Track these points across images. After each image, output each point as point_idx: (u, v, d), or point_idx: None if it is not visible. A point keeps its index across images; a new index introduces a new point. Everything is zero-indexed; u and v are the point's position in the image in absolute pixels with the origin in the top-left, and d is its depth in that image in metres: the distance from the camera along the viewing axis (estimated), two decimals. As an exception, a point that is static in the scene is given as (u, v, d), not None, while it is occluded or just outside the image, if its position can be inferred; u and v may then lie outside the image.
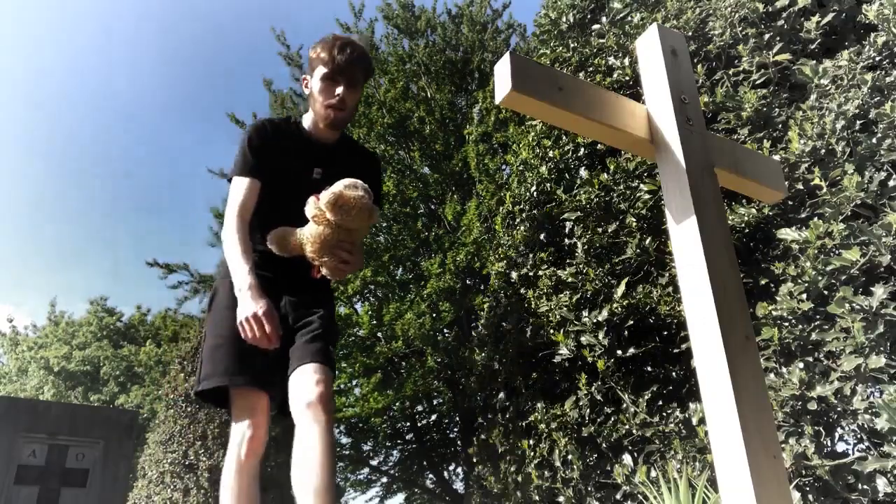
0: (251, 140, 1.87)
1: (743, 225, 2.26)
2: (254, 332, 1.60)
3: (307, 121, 1.96)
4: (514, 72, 0.97)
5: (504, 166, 6.93)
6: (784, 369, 1.89)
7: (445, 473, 8.52)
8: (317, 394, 1.59)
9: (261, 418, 1.69)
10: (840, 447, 1.96)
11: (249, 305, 1.62)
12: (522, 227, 3.01)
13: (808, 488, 1.94)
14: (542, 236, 2.84)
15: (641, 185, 2.52)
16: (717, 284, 0.93)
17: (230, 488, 1.67)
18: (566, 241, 2.76)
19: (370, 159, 2.08)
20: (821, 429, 1.87)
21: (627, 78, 2.80)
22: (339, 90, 1.87)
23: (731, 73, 2.57)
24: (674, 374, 2.37)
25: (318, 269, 1.75)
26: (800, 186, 2.11)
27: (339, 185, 1.66)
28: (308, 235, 1.72)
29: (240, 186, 1.84)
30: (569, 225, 2.71)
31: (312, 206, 1.69)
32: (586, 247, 2.60)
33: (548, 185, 2.91)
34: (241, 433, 1.68)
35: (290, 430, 1.58)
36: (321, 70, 1.88)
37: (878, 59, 2.16)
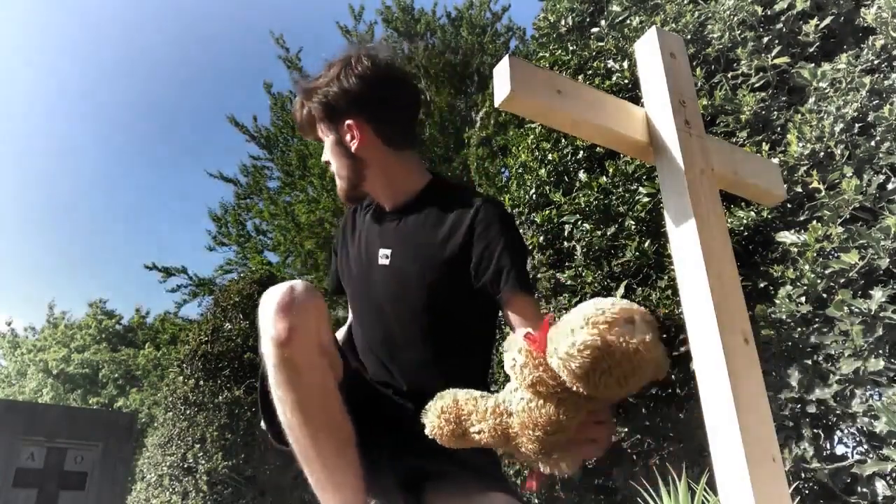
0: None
1: (742, 228, 2.26)
2: None
3: None
4: (513, 74, 0.97)
5: (503, 169, 6.94)
6: (783, 372, 1.89)
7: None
8: None
9: None
10: (839, 450, 1.96)
11: None
12: (521, 230, 3.01)
13: (807, 491, 1.94)
14: (540, 239, 2.84)
15: (640, 188, 2.52)
16: (716, 287, 0.93)
17: None
18: (565, 243, 2.76)
19: (469, 222, 1.30)
20: (820, 432, 1.87)
21: (626, 81, 2.80)
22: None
23: (729, 76, 2.57)
24: (673, 376, 2.37)
25: (538, 475, 0.99)
26: (798, 189, 2.11)
27: (593, 325, 0.83)
28: (521, 421, 0.91)
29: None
30: (568, 228, 2.71)
31: (523, 361, 0.90)
32: (585, 249, 2.60)
33: (547, 187, 2.91)
34: None
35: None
36: None
37: (876, 62, 2.17)
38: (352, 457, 1.08)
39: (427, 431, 1.01)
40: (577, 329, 0.84)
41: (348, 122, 1.37)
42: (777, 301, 1.95)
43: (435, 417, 0.99)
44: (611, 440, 1.04)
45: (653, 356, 0.85)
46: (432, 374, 1.29)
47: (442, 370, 1.30)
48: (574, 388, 0.86)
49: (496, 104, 0.99)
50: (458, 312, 1.33)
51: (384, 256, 1.34)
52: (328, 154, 1.42)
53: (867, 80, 2.07)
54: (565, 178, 2.89)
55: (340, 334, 1.48)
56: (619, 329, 0.83)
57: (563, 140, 2.93)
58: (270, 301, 1.07)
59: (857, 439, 1.89)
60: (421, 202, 1.39)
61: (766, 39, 2.50)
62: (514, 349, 0.92)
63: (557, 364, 0.85)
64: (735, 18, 2.58)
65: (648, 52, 1.14)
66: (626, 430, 2.34)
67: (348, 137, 1.37)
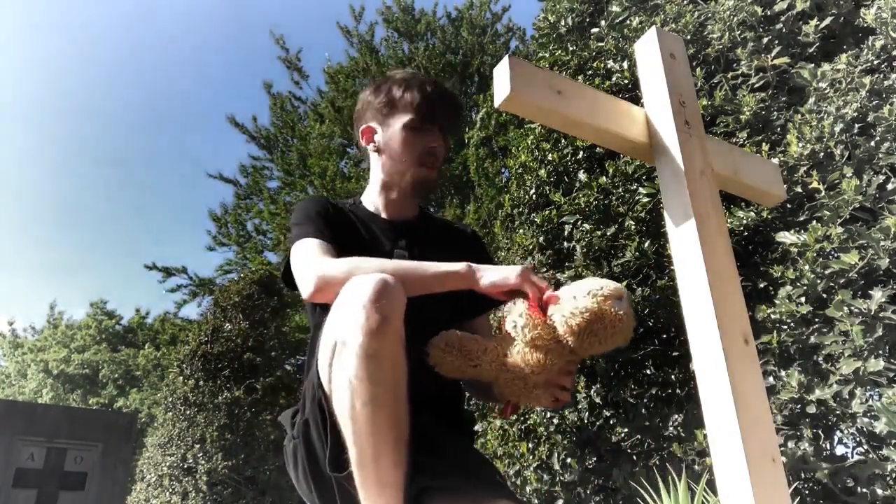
0: (309, 208, 1.41)
1: (742, 228, 2.26)
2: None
3: (371, 197, 1.51)
4: (512, 75, 0.97)
5: (503, 169, 6.94)
6: (783, 372, 1.89)
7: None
8: None
9: None
10: (839, 450, 1.96)
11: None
12: (521, 230, 3.00)
13: (807, 491, 1.94)
14: (541, 239, 2.84)
15: (640, 189, 2.52)
16: (716, 287, 0.94)
17: None
18: (565, 244, 2.76)
19: (469, 239, 1.55)
20: (820, 432, 1.87)
21: (626, 81, 2.80)
22: (434, 140, 1.43)
23: (729, 76, 2.57)
24: (673, 376, 2.37)
25: (513, 407, 1.22)
26: (798, 190, 2.11)
27: (594, 296, 1.06)
28: (514, 362, 1.14)
29: (311, 246, 1.30)
30: (568, 228, 2.71)
31: (527, 322, 1.11)
32: (585, 250, 2.60)
33: (547, 188, 2.91)
34: None
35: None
36: (405, 116, 1.42)
37: (876, 62, 2.17)
38: (403, 456, 1.06)
39: (430, 361, 1.18)
40: (580, 296, 1.07)
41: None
42: (777, 301, 1.95)
43: (439, 349, 1.17)
44: (572, 390, 1.30)
45: (628, 326, 1.08)
46: (437, 379, 1.30)
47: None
48: (564, 342, 1.10)
49: (496, 104, 1.00)
50: (464, 321, 1.43)
51: (402, 245, 1.42)
52: (447, 147, 1.55)
53: (867, 80, 2.07)
54: (565, 178, 2.89)
55: None
56: (611, 301, 1.06)
57: (563, 140, 2.93)
58: (364, 289, 1.03)
59: (857, 439, 1.89)
60: (421, 223, 1.52)
61: (766, 40, 2.50)
62: (515, 313, 1.14)
63: (560, 320, 1.07)
64: (735, 19, 2.58)
65: (648, 53, 1.14)
66: (626, 430, 2.34)
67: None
